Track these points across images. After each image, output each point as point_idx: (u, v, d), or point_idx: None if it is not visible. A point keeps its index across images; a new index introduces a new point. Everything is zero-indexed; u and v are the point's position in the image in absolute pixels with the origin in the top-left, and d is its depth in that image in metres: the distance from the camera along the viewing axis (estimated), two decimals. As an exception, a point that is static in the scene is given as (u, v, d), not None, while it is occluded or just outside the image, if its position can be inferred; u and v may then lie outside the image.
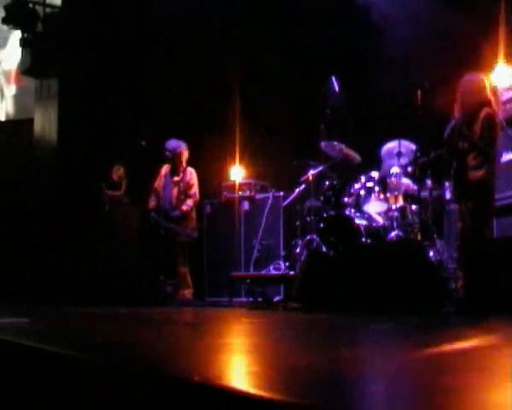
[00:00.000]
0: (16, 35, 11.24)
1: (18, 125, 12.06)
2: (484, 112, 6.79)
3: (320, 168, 8.80)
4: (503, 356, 2.95)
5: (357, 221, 7.99)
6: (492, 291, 5.83)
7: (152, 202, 9.64)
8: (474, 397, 1.91)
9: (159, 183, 9.71)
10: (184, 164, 9.64)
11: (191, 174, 9.62)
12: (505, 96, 7.93)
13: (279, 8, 10.60)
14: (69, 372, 2.66)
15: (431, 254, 7.60)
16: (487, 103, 6.88)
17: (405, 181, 8.35)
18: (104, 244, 9.62)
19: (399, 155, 8.41)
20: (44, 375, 2.81)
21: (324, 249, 7.85)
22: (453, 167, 6.99)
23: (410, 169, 8.33)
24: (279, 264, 9.25)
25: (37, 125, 11.54)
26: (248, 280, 9.58)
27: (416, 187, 8.11)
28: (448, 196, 8.11)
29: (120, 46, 10.66)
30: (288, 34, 10.49)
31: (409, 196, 8.41)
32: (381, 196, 8.26)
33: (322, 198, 8.45)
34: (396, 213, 8.13)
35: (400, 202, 8.27)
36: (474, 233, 6.76)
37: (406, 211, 8.33)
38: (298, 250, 8.56)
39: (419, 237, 7.90)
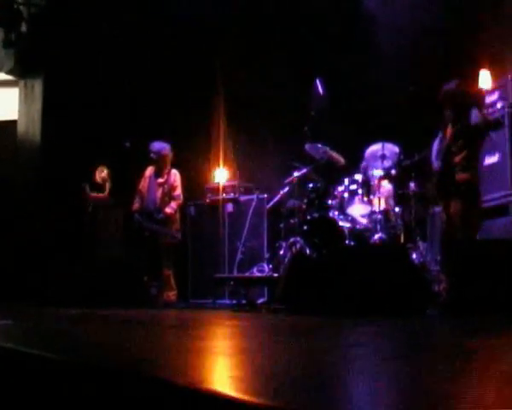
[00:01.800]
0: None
1: (1, 126, 11.99)
2: (470, 114, 6.85)
3: (304, 170, 8.82)
4: (485, 358, 2.97)
5: (341, 224, 8.02)
6: (476, 293, 5.86)
7: (136, 204, 9.63)
8: (459, 399, 1.92)
9: (143, 184, 9.70)
10: (169, 166, 9.64)
11: (175, 176, 9.62)
12: (488, 100, 7.99)
13: (265, 12, 10.61)
14: (51, 375, 2.66)
15: (414, 256, 7.63)
16: (472, 105, 6.93)
17: (387, 185, 8.40)
18: (88, 246, 9.59)
19: (383, 157, 8.44)
20: (26, 377, 2.80)
21: (308, 251, 7.87)
22: (439, 168, 7.02)
23: (393, 172, 8.36)
24: (263, 266, 9.25)
25: (21, 126, 11.49)
26: (232, 282, 9.57)
27: (399, 190, 8.17)
28: None
29: (105, 47, 10.63)
30: (273, 37, 10.50)
31: (392, 199, 8.45)
32: (365, 198, 8.29)
33: (305, 200, 8.47)
34: (379, 216, 8.16)
35: (384, 205, 8.29)
36: (461, 234, 6.79)
37: (390, 213, 8.37)
38: (282, 252, 8.57)
39: (402, 240, 7.93)
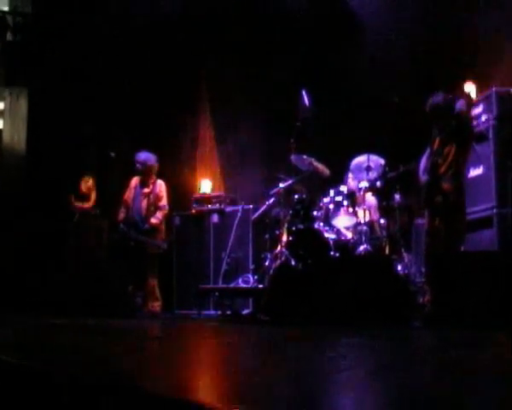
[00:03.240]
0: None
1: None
2: (459, 124, 6.90)
3: (290, 182, 8.82)
4: (469, 369, 2.98)
5: (326, 235, 8.02)
6: (459, 305, 5.88)
7: (121, 214, 9.61)
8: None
9: (129, 194, 9.68)
10: (154, 176, 9.64)
11: (161, 186, 9.61)
12: (472, 112, 8.03)
13: (250, 22, 10.64)
14: (32, 385, 2.64)
15: (399, 267, 7.65)
16: (460, 116, 6.97)
17: (372, 197, 8.44)
18: (73, 256, 9.55)
19: (368, 169, 8.46)
20: (7, 388, 2.79)
21: (293, 263, 7.87)
22: (426, 180, 7.04)
23: (378, 184, 8.38)
24: (248, 277, 9.25)
25: (6, 135, 11.45)
26: (217, 293, 9.56)
27: (384, 202, 8.20)
28: None
29: (91, 56, 10.62)
30: (259, 47, 10.52)
31: (377, 211, 8.48)
32: (350, 210, 8.30)
33: (291, 211, 8.47)
34: (364, 227, 8.17)
35: (369, 216, 8.31)
36: (446, 246, 6.82)
37: (375, 225, 8.39)
38: (267, 263, 8.56)
39: (387, 251, 7.95)
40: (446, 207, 6.86)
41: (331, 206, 8.35)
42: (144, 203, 9.55)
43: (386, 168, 8.11)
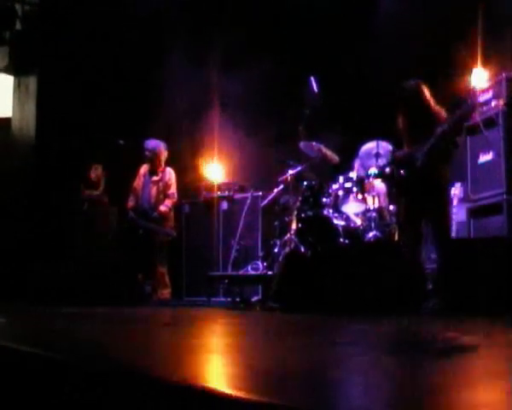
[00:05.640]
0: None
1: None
2: (438, 113, 6.89)
3: (299, 168, 8.82)
4: (477, 355, 2.97)
5: (336, 222, 8.01)
6: (469, 291, 5.87)
7: (130, 202, 9.63)
8: (451, 398, 1.92)
9: (138, 182, 9.70)
10: (163, 164, 9.65)
11: (170, 174, 9.62)
12: (482, 98, 8.00)
13: (260, 8, 10.61)
14: (44, 373, 2.65)
15: (408, 254, 7.63)
16: (431, 105, 6.98)
17: (381, 183, 8.42)
18: (82, 244, 9.58)
19: (377, 155, 8.45)
20: (19, 376, 2.80)
21: (302, 250, 7.86)
22: (420, 164, 6.98)
23: (388, 170, 8.36)
24: (257, 264, 9.25)
25: (15, 124, 11.47)
26: (226, 280, 9.58)
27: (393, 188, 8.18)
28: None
29: (100, 45, 10.62)
30: (268, 34, 10.49)
31: (386, 197, 8.47)
32: (359, 196, 8.29)
33: (300, 198, 8.47)
34: (374, 214, 8.16)
35: (378, 203, 8.30)
36: (440, 232, 6.83)
37: (384, 211, 8.37)
38: (276, 250, 8.57)
39: (396, 238, 7.94)
40: (438, 193, 6.86)
41: (340, 192, 8.34)
42: (153, 191, 9.57)
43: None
